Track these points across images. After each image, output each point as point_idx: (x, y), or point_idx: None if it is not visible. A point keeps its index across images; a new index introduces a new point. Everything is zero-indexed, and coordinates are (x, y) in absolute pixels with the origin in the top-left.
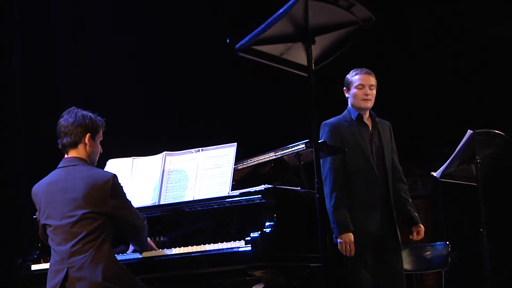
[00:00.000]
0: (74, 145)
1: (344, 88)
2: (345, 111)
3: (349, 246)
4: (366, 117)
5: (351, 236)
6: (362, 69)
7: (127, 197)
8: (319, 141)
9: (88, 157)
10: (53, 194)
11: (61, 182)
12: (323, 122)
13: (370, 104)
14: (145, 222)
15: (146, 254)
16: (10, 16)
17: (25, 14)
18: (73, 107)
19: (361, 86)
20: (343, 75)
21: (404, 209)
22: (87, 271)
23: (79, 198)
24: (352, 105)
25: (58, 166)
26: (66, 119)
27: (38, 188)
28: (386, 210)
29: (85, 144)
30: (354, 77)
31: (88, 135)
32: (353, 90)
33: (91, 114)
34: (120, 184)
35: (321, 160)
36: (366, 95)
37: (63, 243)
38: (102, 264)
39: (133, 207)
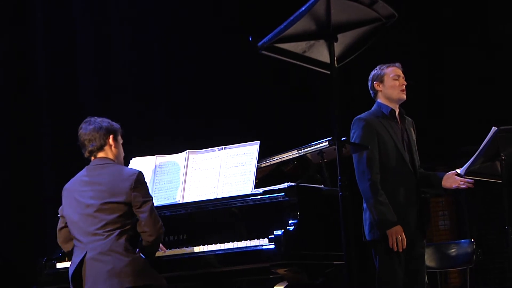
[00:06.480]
0: (101, 149)
1: (375, 82)
2: (375, 107)
3: (400, 237)
4: (397, 113)
5: (400, 228)
6: (391, 63)
7: (150, 194)
8: (342, 138)
9: (116, 158)
10: (78, 185)
11: (87, 176)
12: (356, 117)
13: (405, 96)
14: (162, 229)
15: (168, 252)
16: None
17: (48, 24)
18: (89, 117)
19: (397, 77)
20: (363, 72)
21: (426, 173)
22: (104, 258)
23: (102, 189)
24: (387, 98)
25: (88, 166)
26: (86, 127)
27: (67, 185)
28: (417, 206)
29: (110, 146)
30: (386, 69)
31: (111, 136)
32: (390, 82)
33: (107, 119)
34: (144, 180)
35: (355, 156)
36: (403, 85)
37: (83, 232)
38: (119, 254)
39: (153, 205)
